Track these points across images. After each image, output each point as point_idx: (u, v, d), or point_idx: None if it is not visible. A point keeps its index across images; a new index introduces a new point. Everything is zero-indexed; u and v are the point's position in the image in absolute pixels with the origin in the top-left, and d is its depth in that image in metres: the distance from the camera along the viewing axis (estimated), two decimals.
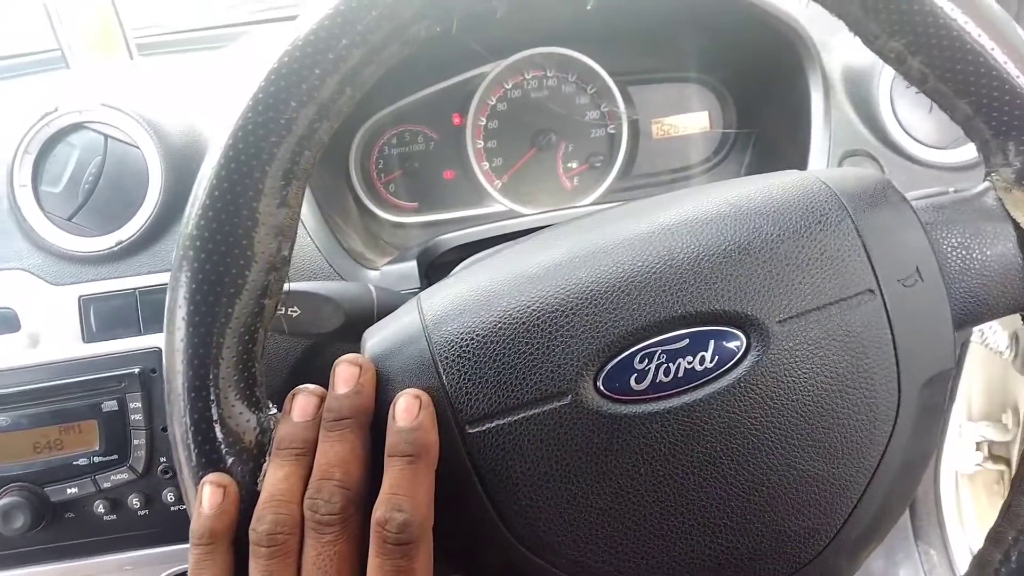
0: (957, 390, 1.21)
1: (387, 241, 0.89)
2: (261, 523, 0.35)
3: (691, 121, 0.96)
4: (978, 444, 1.27)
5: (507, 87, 0.91)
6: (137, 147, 0.66)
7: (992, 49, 0.38)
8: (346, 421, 0.37)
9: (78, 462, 0.68)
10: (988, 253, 0.41)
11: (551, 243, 0.43)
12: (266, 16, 1.02)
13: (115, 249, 0.67)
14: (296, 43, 0.37)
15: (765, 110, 0.92)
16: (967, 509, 1.30)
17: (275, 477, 0.37)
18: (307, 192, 0.71)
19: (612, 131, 0.93)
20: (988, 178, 0.42)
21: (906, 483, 0.42)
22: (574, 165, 0.94)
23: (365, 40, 0.37)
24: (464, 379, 0.38)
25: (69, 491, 0.68)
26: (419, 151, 0.92)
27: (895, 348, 0.39)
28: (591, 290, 0.38)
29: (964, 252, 0.41)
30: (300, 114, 0.37)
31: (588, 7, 0.42)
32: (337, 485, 0.36)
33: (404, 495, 0.35)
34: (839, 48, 0.80)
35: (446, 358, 0.38)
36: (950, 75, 0.39)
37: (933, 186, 0.75)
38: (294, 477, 0.37)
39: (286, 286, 0.40)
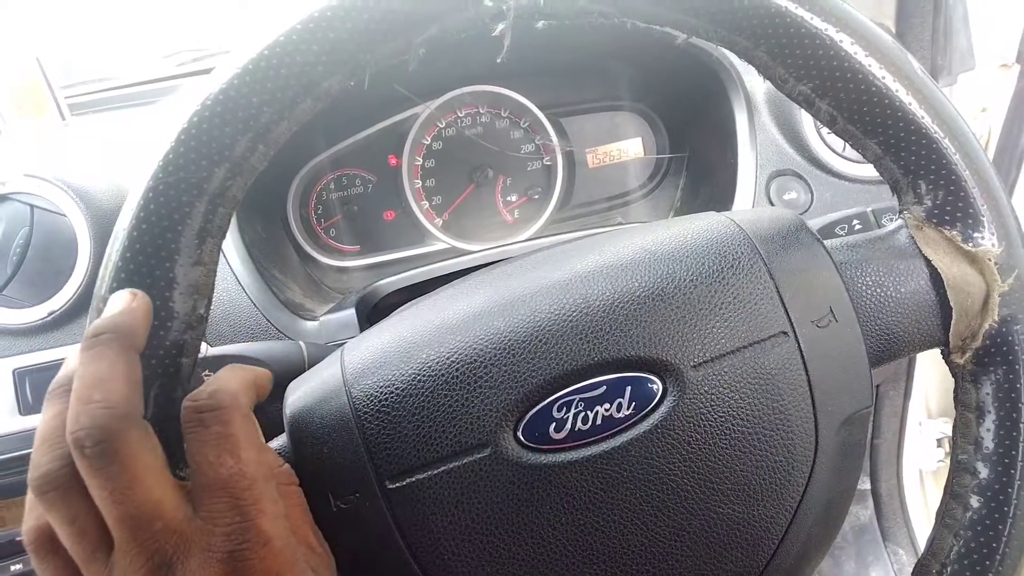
0: (912, 388, 1.24)
1: (330, 286, 0.89)
2: (36, 469, 0.32)
3: (625, 148, 0.97)
4: (939, 440, 1.28)
5: (441, 126, 0.92)
6: (64, 215, 0.66)
7: (897, 90, 0.39)
8: (104, 336, 0.33)
9: (22, 537, 0.66)
10: (902, 290, 0.41)
11: (472, 291, 0.43)
12: (201, 67, 1.02)
13: (48, 319, 0.66)
14: (205, 103, 0.36)
15: (696, 133, 0.93)
16: (934, 506, 1.31)
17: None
18: (241, 247, 0.71)
19: (548, 163, 0.94)
20: (900, 216, 0.43)
21: (829, 521, 0.42)
22: (513, 198, 0.95)
23: (275, 98, 0.36)
24: (384, 434, 0.38)
25: (14, 567, 0.67)
26: (358, 194, 0.92)
27: (811, 389, 0.39)
28: (509, 340, 0.38)
29: (878, 290, 0.41)
30: (212, 173, 0.36)
31: (499, 60, 0.43)
32: (99, 407, 0.31)
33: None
34: None
35: (366, 413, 0.38)
36: (857, 116, 0.40)
37: (860, 200, 0.78)
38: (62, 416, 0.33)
39: (204, 348, 0.40)
